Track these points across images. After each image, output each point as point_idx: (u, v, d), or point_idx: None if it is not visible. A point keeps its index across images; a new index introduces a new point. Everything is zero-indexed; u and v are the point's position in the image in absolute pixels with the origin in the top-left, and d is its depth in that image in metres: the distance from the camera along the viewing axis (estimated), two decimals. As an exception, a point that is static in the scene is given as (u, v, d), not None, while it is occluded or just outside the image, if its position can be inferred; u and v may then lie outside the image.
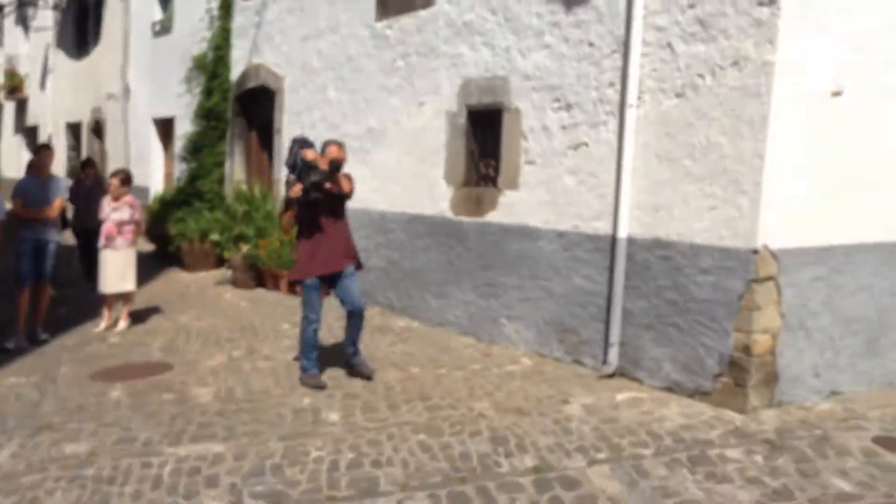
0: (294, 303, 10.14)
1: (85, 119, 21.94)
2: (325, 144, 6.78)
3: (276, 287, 11.00)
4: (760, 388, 5.90)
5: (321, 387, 6.63)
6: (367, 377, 6.83)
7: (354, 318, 6.81)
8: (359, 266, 6.90)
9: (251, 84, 12.70)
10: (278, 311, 9.78)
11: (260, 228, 11.59)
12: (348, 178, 6.70)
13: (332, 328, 8.44)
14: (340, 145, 6.75)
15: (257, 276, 11.35)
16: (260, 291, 11.13)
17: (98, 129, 21.22)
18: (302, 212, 6.63)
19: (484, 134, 8.27)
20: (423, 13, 9.00)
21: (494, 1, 7.99)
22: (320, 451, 5.30)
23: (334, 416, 5.98)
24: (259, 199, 12.14)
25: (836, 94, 5.88)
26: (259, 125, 12.99)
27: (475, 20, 8.24)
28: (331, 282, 6.78)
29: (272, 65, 12.12)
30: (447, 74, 8.64)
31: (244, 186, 13.06)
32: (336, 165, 6.49)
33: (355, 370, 6.93)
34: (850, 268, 6.17)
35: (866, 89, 6.10)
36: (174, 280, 12.31)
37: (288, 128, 11.70)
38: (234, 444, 5.46)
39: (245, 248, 11.52)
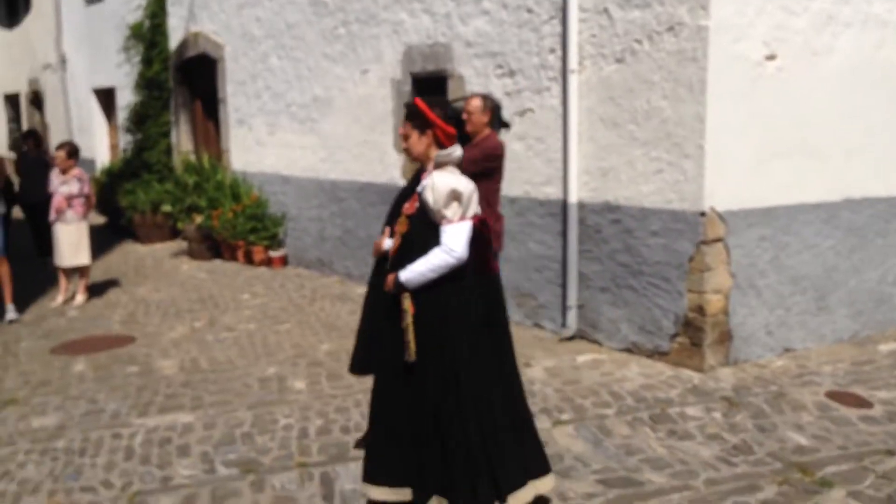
0: (253, 273, 10.23)
1: (23, 90, 21.40)
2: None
3: (234, 258, 11.02)
4: (716, 347, 6.07)
5: None
6: None
7: None
8: None
9: (191, 53, 12.51)
10: (237, 282, 9.82)
11: (212, 199, 11.54)
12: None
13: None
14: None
15: (213, 246, 11.34)
16: (217, 262, 11.13)
17: (37, 101, 20.73)
18: None
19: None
20: (361, -21, 8.95)
21: (433, -33, 7.99)
22: (289, 419, 5.41)
23: (300, 385, 6.09)
24: (208, 170, 12.07)
25: (770, 57, 6.00)
26: (203, 94, 12.83)
27: (415, -15, 8.23)
28: None
29: (211, 33, 11.94)
30: (389, 42, 8.64)
31: (192, 157, 12.95)
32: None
33: None
34: (795, 227, 6.27)
35: (799, 53, 6.17)
36: (129, 252, 12.26)
37: (232, 97, 11.60)
38: (203, 413, 5.56)
39: (199, 218, 11.48)
